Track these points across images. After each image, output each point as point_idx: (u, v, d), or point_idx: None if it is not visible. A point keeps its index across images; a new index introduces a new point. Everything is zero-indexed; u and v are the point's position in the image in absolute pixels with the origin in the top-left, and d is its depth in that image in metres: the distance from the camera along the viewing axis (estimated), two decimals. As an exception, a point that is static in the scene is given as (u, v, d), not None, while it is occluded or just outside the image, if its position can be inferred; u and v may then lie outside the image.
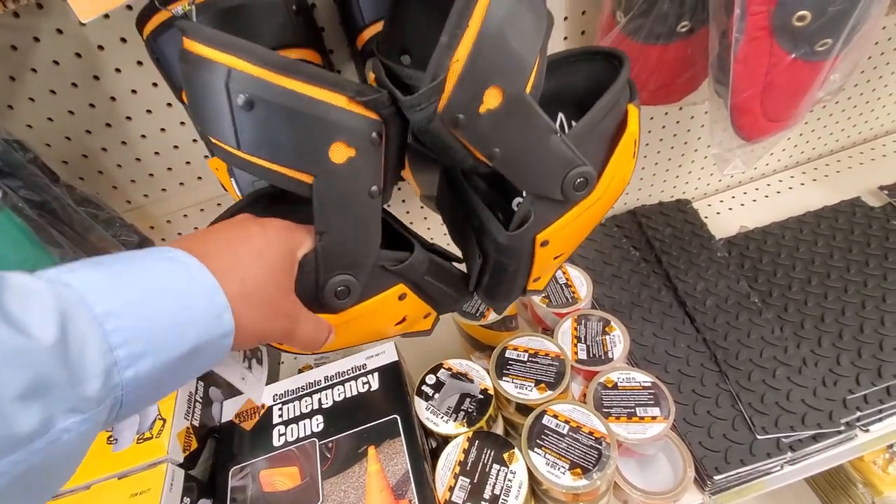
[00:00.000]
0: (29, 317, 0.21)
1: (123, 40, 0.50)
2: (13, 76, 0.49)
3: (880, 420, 0.58)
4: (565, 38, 0.63)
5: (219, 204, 0.66)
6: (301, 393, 0.61)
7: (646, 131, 0.80)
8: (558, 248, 0.42)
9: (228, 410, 0.62)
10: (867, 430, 0.58)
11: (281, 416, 0.59)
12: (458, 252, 0.47)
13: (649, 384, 0.58)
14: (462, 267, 0.46)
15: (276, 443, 0.57)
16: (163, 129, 0.58)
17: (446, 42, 0.28)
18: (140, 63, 0.52)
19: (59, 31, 0.48)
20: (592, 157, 0.35)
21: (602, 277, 0.78)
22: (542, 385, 0.57)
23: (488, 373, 0.60)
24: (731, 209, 0.90)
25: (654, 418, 0.55)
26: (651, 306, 0.73)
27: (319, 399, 0.60)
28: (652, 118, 0.78)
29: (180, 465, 0.52)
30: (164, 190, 0.63)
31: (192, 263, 0.26)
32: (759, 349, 0.64)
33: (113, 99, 0.54)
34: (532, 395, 0.56)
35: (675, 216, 0.86)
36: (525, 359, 0.60)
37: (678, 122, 0.81)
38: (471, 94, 0.29)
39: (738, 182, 0.94)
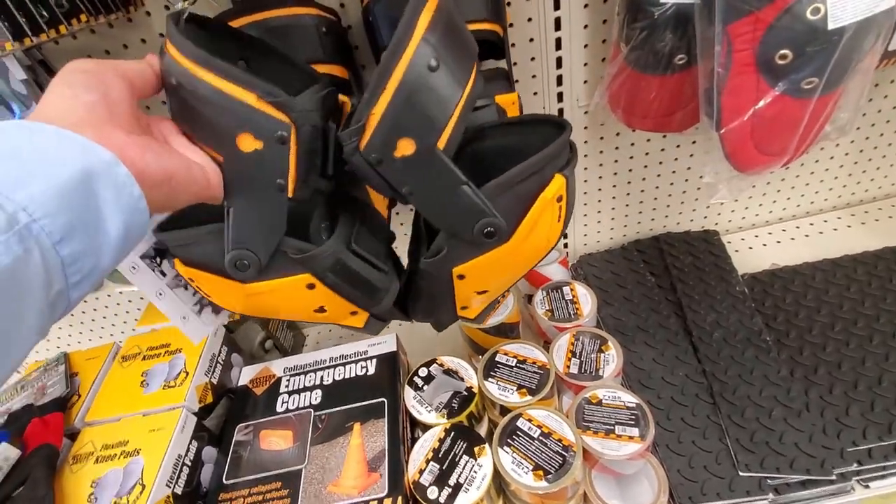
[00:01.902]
0: None
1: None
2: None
3: (884, 477, 0.54)
4: (585, 46, 0.66)
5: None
6: (307, 369, 0.68)
7: (672, 158, 0.80)
8: (478, 285, 0.45)
9: (245, 376, 0.70)
10: (867, 486, 0.54)
11: (287, 386, 0.66)
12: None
13: (634, 405, 0.58)
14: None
15: (278, 408, 0.64)
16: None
17: (367, 98, 0.33)
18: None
19: (143, 41, 0.59)
20: (507, 212, 0.38)
21: (612, 298, 0.79)
22: (524, 390, 0.60)
23: (476, 373, 0.63)
24: (765, 245, 0.87)
25: (631, 438, 0.56)
26: (656, 332, 0.72)
27: (322, 376, 0.67)
28: (678, 146, 0.78)
29: (194, 414, 0.60)
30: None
31: (24, 123, 0.26)
32: (760, 387, 0.62)
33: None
34: (512, 397, 0.59)
35: (700, 246, 0.84)
36: (513, 364, 0.63)
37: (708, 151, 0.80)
38: (385, 141, 0.34)
39: (779, 218, 0.91)
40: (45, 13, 0.43)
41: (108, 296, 0.87)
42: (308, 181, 0.38)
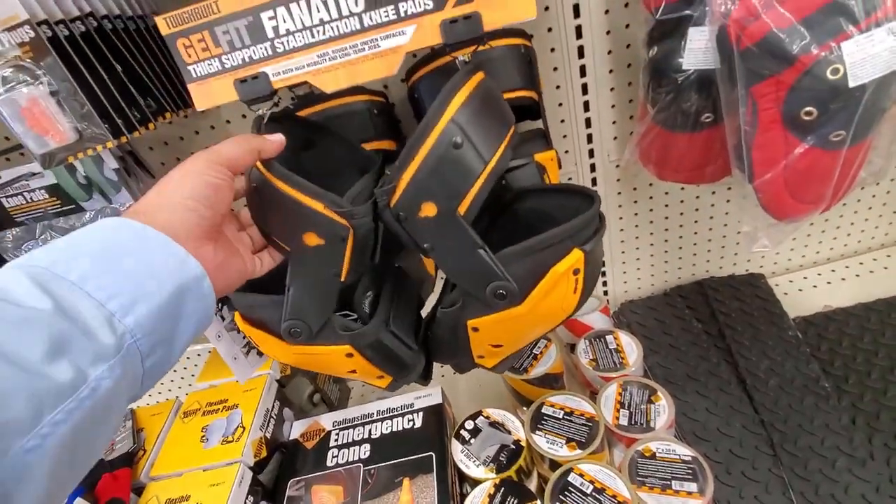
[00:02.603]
0: (19, 293, 0.24)
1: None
2: (178, 157, 0.69)
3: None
4: (612, 107, 0.69)
5: None
6: (356, 423, 0.70)
7: (709, 204, 0.80)
8: (492, 339, 0.47)
9: (296, 430, 0.72)
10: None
11: (337, 440, 0.68)
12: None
13: (689, 458, 0.57)
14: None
15: (329, 463, 0.66)
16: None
17: (398, 164, 0.38)
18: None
19: (212, 127, 0.67)
20: (521, 278, 0.40)
21: (658, 346, 0.78)
22: (573, 443, 0.59)
23: (523, 425, 0.63)
24: (815, 287, 0.84)
25: (689, 493, 0.54)
26: (707, 381, 0.71)
27: (370, 430, 0.68)
28: (714, 192, 0.79)
29: (250, 468, 0.62)
30: (271, 242, 0.79)
31: (138, 226, 0.30)
32: (822, 437, 0.59)
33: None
34: (562, 451, 0.59)
35: (746, 290, 0.83)
36: (560, 416, 0.63)
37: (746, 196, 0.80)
38: (411, 202, 0.39)
39: (827, 259, 0.88)
40: (136, 113, 0.50)
41: None
42: (358, 269, 0.43)
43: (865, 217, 0.84)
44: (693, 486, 0.54)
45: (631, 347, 0.72)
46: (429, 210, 0.38)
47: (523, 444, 0.61)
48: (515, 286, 0.40)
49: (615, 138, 0.72)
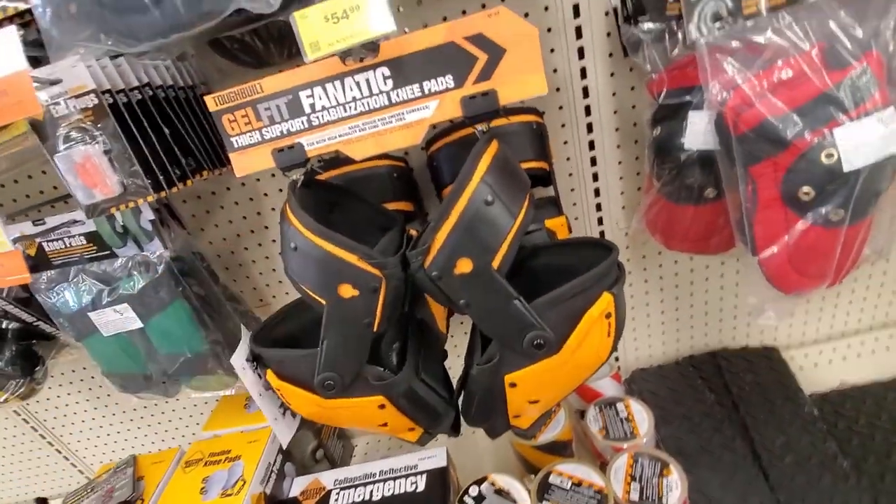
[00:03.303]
0: None
1: (280, 190, 0.72)
2: (208, 210, 0.73)
3: None
4: (620, 178, 0.73)
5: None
6: (357, 482, 0.68)
7: (718, 274, 0.81)
8: (530, 394, 0.47)
9: (297, 487, 0.70)
10: None
11: (336, 500, 0.67)
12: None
13: (702, 541, 0.54)
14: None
15: (328, 525, 0.64)
16: (295, 249, 0.77)
17: (432, 226, 0.40)
18: (288, 204, 0.73)
19: (243, 184, 0.72)
20: (557, 326, 0.42)
21: (671, 417, 0.76)
22: (579, 517, 0.57)
23: (530, 495, 0.61)
24: (830, 362, 0.83)
25: (702, 580, 0.51)
26: (721, 455, 0.69)
27: (371, 491, 0.66)
28: (723, 263, 0.80)
29: (249, 526, 0.61)
30: (287, 293, 0.82)
31: None
32: (844, 525, 0.56)
33: (266, 227, 0.75)
34: (568, 525, 0.57)
35: (760, 363, 0.82)
36: (568, 486, 0.61)
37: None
38: (446, 260, 0.40)
39: (841, 333, 0.87)
40: (177, 171, 0.54)
41: (177, 400, 0.93)
42: (390, 319, 0.45)
43: (879, 292, 0.83)
44: (707, 572, 0.52)
45: (642, 416, 0.71)
46: (464, 266, 0.40)
47: (529, 514, 0.59)
48: (552, 334, 0.41)
49: (623, 207, 0.75)
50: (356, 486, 0.68)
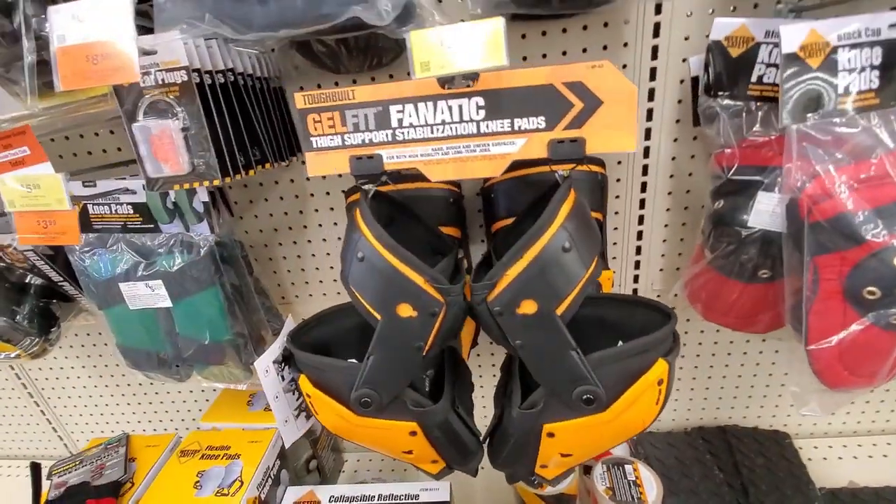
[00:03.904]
0: None
1: (327, 193, 0.72)
2: (252, 200, 0.73)
3: None
4: (664, 241, 0.73)
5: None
6: (353, 502, 0.66)
7: (741, 352, 0.81)
8: (566, 447, 0.46)
9: (289, 497, 0.68)
10: None
11: (331, 518, 0.64)
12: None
13: None
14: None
15: (319, 543, 0.61)
16: (328, 254, 0.77)
17: (504, 261, 0.40)
18: (332, 209, 0.73)
19: (291, 181, 0.71)
20: (609, 384, 0.41)
21: (677, 488, 0.75)
22: (583, 581, 0.55)
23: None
24: (840, 458, 0.82)
25: None
26: (726, 539, 0.67)
27: (368, 515, 0.64)
28: (748, 341, 0.80)
29: (240, 531, 0.58)
30: (310, 295, 0.80)
31: None
32: None
33: (305, 227, 0.75)
34: (570, 588, 0.54)
35: (771, 447, 0.80)
36: (572, 546, 0.59)
37: (779, 349, 0.81)
38: (511, 298, 0.40)
39: (854, 432, 0.86)
40: (243, 159, 0.54)
41: (177, 385, 0.91)
42: (441, 345, 0.44)
43: (872, 397, 0.83)
44: None
45: (650, 483, 0.69)
46: (528, 308, 0.40)
47: (529, 569, 0.57)
48: (604, 392, 0.41)
49: (661, 270, 0.75)
50: (352, 506, 0.66)
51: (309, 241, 0.76)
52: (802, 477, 0.75)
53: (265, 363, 0.49)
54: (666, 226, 0.72)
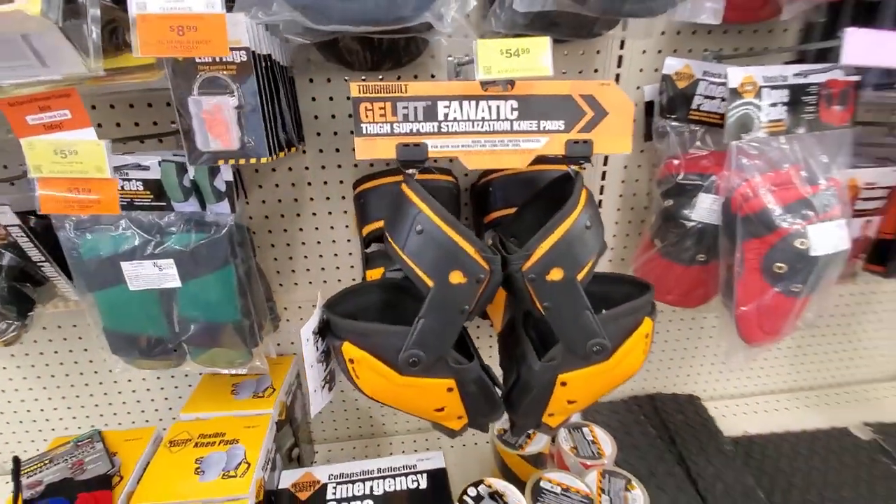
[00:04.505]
0: None
1: (325, 182, 0.75)
2: (261, 185, 0.73)
3: None
4: (616, 223, 0.87)
5: (313, 306, 0.83)
6: (355, 478, 0.69)
7: (664, 330, 0.98)
8: (574, 394, 0.55)
9: (286, 480, 0.69)
10: None
11: (335, 494, 0.67)
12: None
13: (664, 545, 0.65)
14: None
15: (327, 516, 0.63)
16: (318, 242, 0.79)
17: (540, 235, 0.48)
18: (328, 198, 0.76)
19: (290, 169, 0.73)
20: (612, 337, 0.52)
21: (623, 444, 0.88)
22: (571, 517, 0.64)
23: (525, 497, 0.67)
24: (735, 415, 1.02)
25: (668, 576, 0.61)
26: (665, 479, 0.81)
27: (371, 486, 0.68)
28: (670, 320, 0.97)
29: (255, 509, 0.59)
30: (295, 284, 0.82)
31: None
32: (763, 537, 0.71)
33: (298, 215, 0.77)
34: (561, 524, 0.64)
35: (688, 408, 0.98)
36: (558, 491, 0.68)
37: (691, 328, 0.99)
38: (543, 266, 0.49)
39: (742, 394, 1.08)
40: (278, 142, 0.56)
41: (143, 379, 0.85)
42: (480, 309, 0.51)
43: (781, 363, 1.06)
44: (671, 569, 0.62)
45: (605, 441, 0.81)
46: (556, 275, 0.48)
47: (525, 514, 0.65)
48: (609, 343, 0.50)
49: (610, 261, 0.89)
50: (354, 482, 0.69)
51: (301, 229, 0.78)
52: (712, 428, 0.93)
53: (307, 332, 0.52)
54: (616, 223, 0.86)
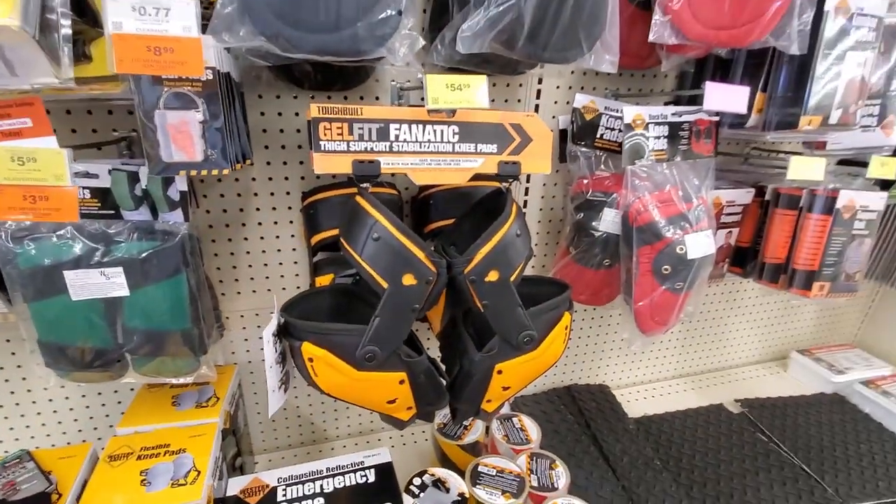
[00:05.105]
0: None
1: (272, 194, 0.78)
2: (206, 195, 0.74)
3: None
4: (538, 233, 0.99)
5: (271, 313, 0.85)
6: (304, 479, 0.72)
7: (578, 328, 1.11)
8: (508, 381, 0.64)
9: (234, 486, 0.70)
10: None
11: (285, 495, 0.69)
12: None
13: (584, 510, 0.75)
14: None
15: (279, 516, 0.65)
16: (263, 251, 0.81)
17: (479, 243, 0.57)
18: (274, 208, 0.79)
19: (237, 180, 0.75)
20: (539, 329, 0.62)
21: (546, 432, 0.98)
22: (507, 494, 0.73)
23: (464, 481, 0.74)
24: (637, 400, 1.18)
25: (587, 535, 0.71)
26: (583, 458, 0.93)
27: (321, 485, 0.71)
28: (584, 319, 1.11)
29: (208, 513, 0.59)
30: (238, 293, 0.83)
31: None
32: (661, 498, 0.84)
33: (243, 225, 0.78)
34: (499, 500, 0.71)
35: (599, 396, 1.12)
36: (493, 473, 0.76)
37: (600, 326, 1.14)
38: (482, 269, 0.57)
39: (641, 381, 1.25)
40: (235, 154, 0.59)
41: (67, 398, 0.80)
42: (426, 308, 0.58)
43: (669, 355, 1.24)
44: (590, 529, 0.72)
45: (532, 428, 0.91)
46: (493, 276, 0.57)
47: (467, 496, 0.72)
48: (537, 335, 0.59)
49: (532, 266, 1.01)
50: (303, 482, 0.71)
51: (245, 238, 0.79)
52: (619, 412, 1.07)
53: (268, 334, 0.55)
54: (538, 233, 0.98)
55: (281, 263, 0.83)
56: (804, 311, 1.34)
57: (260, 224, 0.79)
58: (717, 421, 1.07)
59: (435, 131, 0.59)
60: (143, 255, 0.58)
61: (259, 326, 0.86)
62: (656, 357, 1.24)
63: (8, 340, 0.75)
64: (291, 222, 0.81)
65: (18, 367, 0.77)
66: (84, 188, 0.57)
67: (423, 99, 0.55)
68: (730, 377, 1.29)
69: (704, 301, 1.20)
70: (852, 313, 1.39)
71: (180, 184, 0.59)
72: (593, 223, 0.83)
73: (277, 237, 0.81)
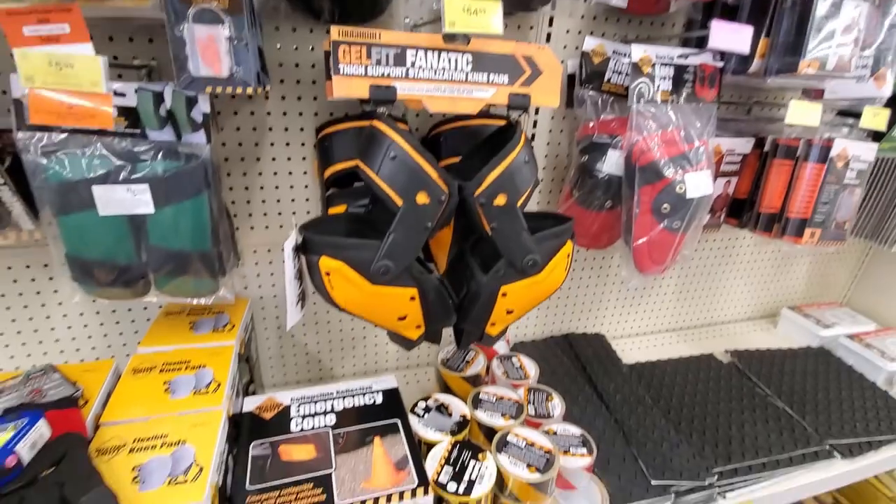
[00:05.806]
0: None
1: (286, 129, 0.80)
2: (222, 128, 0.76)
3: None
4: (538, 203, 1.02)
5: (281, 249, 0.88)
6: (316, 398, 0.76)
7: (577, 278, 1.15)
8: (511, 304, 0.68)
9: (249, 404, 0.74)
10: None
11: (298, 411, 0.73)
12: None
13: (579, 434, 0.80)
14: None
15: (293, 429, 0.70)
16: (276, 187, 0.84)
17: (487, 169, 0.59)
18: (288, 144, 0.81)
19: (252, 113, 0.77)
20: (543, 255, 0.65)
21: (543, 373, 1.03)
22: (507, 416, 0.77)
23: (466, 405, 0.79)
24: (631, 350, 1.23)
25: (582, 455, 0.76)
26: (578, 395, 0.97)
27: (332, 404, 0.75)
28: (583, 268, 1.15)
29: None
30: (252, 228, 0.85)
31: None
32: (651, 430, 0.89)
33: (258, 159, 0.81)
34: (499, 421, 0.76)
35: (595, 343, 1.17)
36: (493, 399, 0.81)
37: (599, 276, 1.18)
38: (491, 192, 0.60)
39: (637, 333, 1.30)
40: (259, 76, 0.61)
41: (81, 314, 0.83)
42: (439, 227, 0.60)
43: (652, 308, 1.29)
44: (584, 450, 0.77)
45: (530, 366, 0.96)
46: (501, 200, 0.60)
47: (468, 418, 0.77)
48: (541, 259, 0.62)
49: (538, 204, 1.03)
50: (315, 401, 0.75)
51: (260, 173, 0.82)
52: (614, 357, 1.12)
53: (289, 248, 0.58)
54: (542, 179, 1.01)
55: (293, 200, 0.86)
56: (796, 269, 1.39)
57: (274, 159, 0.81)
58: (707, 367, 1.12)
59: (450, 59, 0.61)
60: (168, 174, 0.60)
61: (271, 262, 0.89)
62: (651, 310, 1.28)
63: (28, 266, 0.78)
64: (304, 158, 0.83)
65: (38, 293, 0.80)
66: (113, 106, 0.59)
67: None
68: (722, 332, 1.34)
69: (700, 255, 1.24)
70: (843, 273, 1.44)
71: (203, 105, 0.61)
72: (597, 165, 0.85)
73: (290, 173, 0.83)
